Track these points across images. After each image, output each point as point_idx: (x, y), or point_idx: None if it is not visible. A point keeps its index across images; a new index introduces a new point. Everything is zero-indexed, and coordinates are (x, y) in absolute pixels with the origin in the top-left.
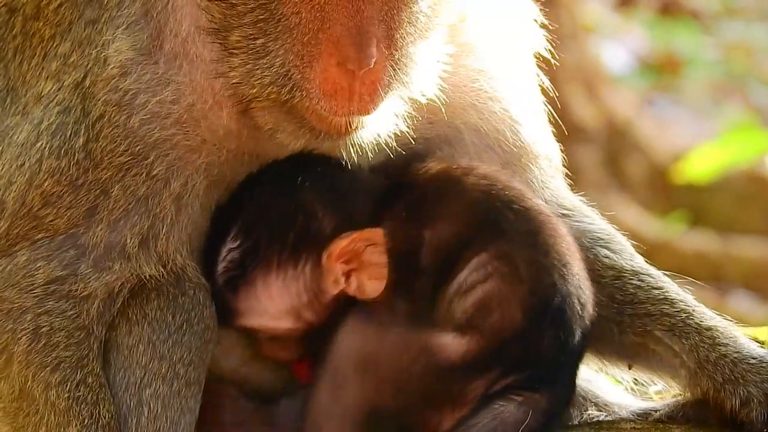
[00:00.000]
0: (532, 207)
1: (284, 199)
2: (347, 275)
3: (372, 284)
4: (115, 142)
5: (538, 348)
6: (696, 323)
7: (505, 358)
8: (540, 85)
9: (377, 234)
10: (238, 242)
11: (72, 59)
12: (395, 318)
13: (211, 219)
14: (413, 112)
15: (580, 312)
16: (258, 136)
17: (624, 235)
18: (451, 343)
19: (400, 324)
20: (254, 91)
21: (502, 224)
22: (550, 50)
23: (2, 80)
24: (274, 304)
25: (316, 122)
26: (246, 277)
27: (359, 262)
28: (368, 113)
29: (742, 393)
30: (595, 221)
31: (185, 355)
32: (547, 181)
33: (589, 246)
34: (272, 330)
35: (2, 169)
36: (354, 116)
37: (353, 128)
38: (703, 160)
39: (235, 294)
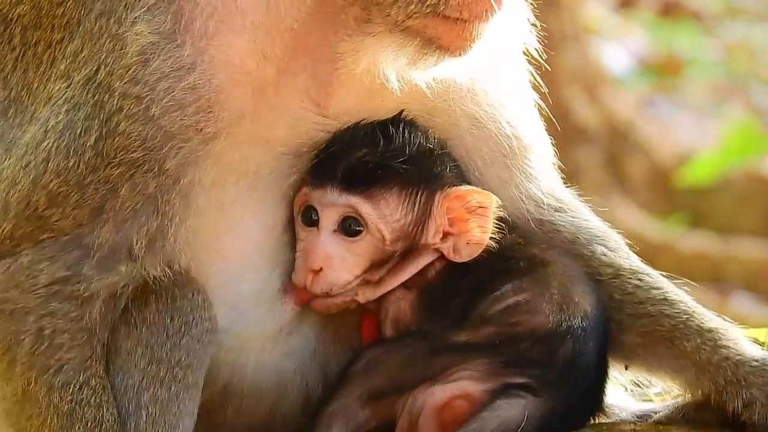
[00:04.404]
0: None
1: (425, 136)
2: (445, 236)
3: (469, 248)
4: (131, 137)
5: (552, 354)
6: (697, 325)
7: (514, 350)
8: (539, 86)
9: (490, 197)
10: (376, 149)
11: (83, 54)
12: (414, 337)
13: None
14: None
15: (600, 340)
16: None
17: (625, 236)
18: (461, 334)
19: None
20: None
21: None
22: (551, 51)
23: (2, 92)
24: (391, 212)
25: (443, 34)
26: (376, 180)
27: (460, 228)
28: (498, 10)
29: (744, 395)
30: (591, 218)
31: (183, 359)
32: (544, 174)
33: (585, 243)
34: (380, 239)
35: (7, 169)
36: (482, 21)
37: (476, 37)
38: (704, 162)
39: (364, 188)
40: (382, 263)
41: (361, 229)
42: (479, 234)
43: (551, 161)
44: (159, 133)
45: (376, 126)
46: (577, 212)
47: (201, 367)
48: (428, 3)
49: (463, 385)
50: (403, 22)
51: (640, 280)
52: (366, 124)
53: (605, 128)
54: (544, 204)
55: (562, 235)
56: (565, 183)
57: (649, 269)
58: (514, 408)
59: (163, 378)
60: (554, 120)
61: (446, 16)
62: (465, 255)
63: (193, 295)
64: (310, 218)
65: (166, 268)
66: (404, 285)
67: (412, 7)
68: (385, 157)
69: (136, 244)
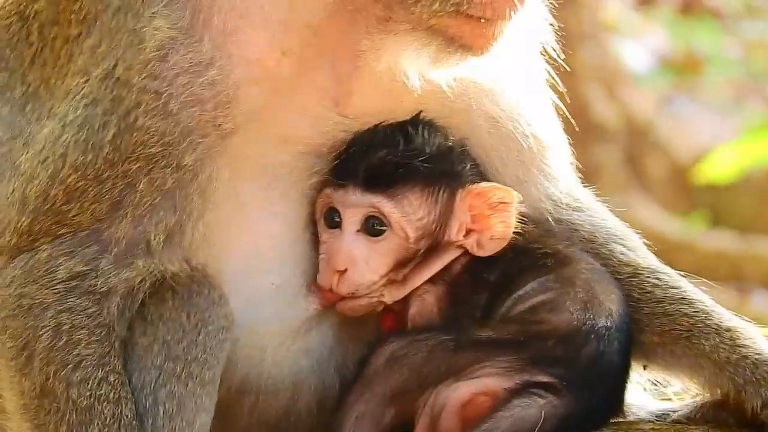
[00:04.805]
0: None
1: (444, 136)
2: (468, 233)
3: (493, 244)
4: (149, 132)
5: (576, 353)
6: (715, 324)
7: (537, 349)
8: (558, 84)
9: (511, 193)
10: (397, 149)
11: (101, 49)
12: (437, 332)
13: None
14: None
15: (624, 342)
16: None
17: (644, 234)
18: (485, 330)
19: (441, 337)
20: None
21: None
22: (569, 50)
23: (20, 88)
24: (414, 211)
25: (466, 33)
26: (398, 179)
27: (482, 224)
28: (521, 9)
29: (763, 394)
30: (609, 218)
31: (200, 355)
32: (562, 173)
33: (603, 242)
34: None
35: (25, 164)
36: (504, 20)
37: (497, 36)
38: (724, 160)
39: (386, 187)
40: (407, 262)
41: (385, 228)
42: (502, 229)
43: (569, 160)
44: (177, 128)
45: (396, 127)
46: (595, 211)
47: (217, 364)
48: (452, 2)
49: (486, 382)
50: (427, 20)
51: (658, 279)
52: (386, 125)
53: (624, 126)
54: (562, 203)
55: (580, 234)
56: (583, 181)
57: (667, 268)
58: (531, 407)
59: (179, 374)
60: (573, 118)
61: (469, 15)
62: (489, 250)
63: (209, 291)
64: (333, 219)
65: (184, 264)
66: (430, 280)
67: (436, 6)
68: (405, 156)
69: (154, 239)
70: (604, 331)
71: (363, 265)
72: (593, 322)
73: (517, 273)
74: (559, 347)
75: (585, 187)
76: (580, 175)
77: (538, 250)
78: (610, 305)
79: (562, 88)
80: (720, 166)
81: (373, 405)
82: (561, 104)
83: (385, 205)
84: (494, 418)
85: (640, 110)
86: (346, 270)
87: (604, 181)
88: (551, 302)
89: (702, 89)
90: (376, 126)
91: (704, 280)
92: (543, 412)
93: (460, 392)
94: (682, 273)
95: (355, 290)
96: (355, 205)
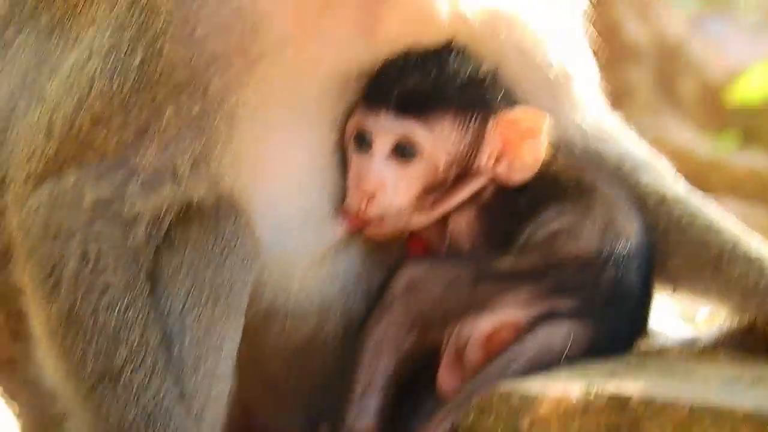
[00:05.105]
0: None
1: (474, 63)
2: (498, 160)
3: (522, 171)
4: (176, 59)
5: (595, 280)
6: (743, 251)
7: (557, 277)
8: (588, 6)
9: (541, 121)
10: (429, 75)
11: None
12: (457, 261)
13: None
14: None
15: (644, 268)
16: (323, 37)
17: (676, 155)
18: (507, 260)
19: (461, 266)
20: None
21: (591, 182)
22: None
23: (45, 15)
24: (445, 137)
25: None
26: (430, 105)
27: (512, 152)
28: None
29: None
30: (637, 145)
31: (227, 281)
32: (590, 102)
33: (631, 170)
34: (434, 164)
35: (51, 91)
36: None
37: None
38: (756, 80)
39: (418, 112)
40: (436, 188)
41: (416, 153)
42: (531, 157)
43: (598, 87)
44: (204, 55)
45: (429, 53)
46: (623, 139)
47: (244, 289)
48: None
49: (508, 313)
50: None
51: (686, 206)
52: (418, 51)
53: (656, 47)
54: (590, 132)
55: (607, 163)
56: (614, 103)
57: (695, 195)
58: (556, 334)
59: (206, 300)
60: (604, 40)
61: None
62: (518, 177)
63: (236, 217)
64: (363, 144)
65: (210, 190)
66: (459, 207)
67: None
68: (438, 82)
69: (181, 165)
70: (622, 258)
71: (392, 189)
72: (612, 248)
73: (541, 202)
74: (578, 274)
75: (616, 110)
76: (610, 97)
77: (564, 179)
78: (630, 231)
79: (592, 10)
80: (752, 86)
81: (392, 330)
82: (591, 27)
83: (416, 130)
84: (519, 346)
85: (672, 30)
86: (375, 194)
87: (635, 102)
88: (570, 230)
89: (735, 8)
90: (408, 52)
91: (736, 199)
92: (567, 338)
93: (483, 325)
94: (713, 193)
95: (384, 214)
96: (386, 129)
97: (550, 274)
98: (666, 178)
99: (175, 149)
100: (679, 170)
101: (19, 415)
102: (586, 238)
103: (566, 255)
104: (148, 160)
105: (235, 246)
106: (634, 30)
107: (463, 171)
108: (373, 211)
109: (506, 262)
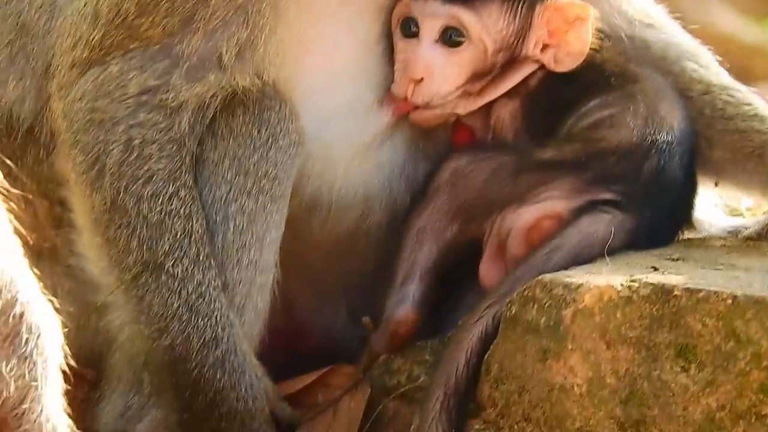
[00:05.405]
0: None
1: None
2: (545, 48)
3: (569, 59)
4: None
5: (637, 169)
6: None
7: (599, 167)
8: None
9: (588, 9)
10: None
11: None
12: (501, 151)
13: None
14: None
15: (686, 157)
16: None
17: (721, 40)
18: (548, 150)
19: (504, 156)
20: None
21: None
22: None
23: None
24: (493, 23)
25: None
26: None
27: (559, 39)
28: None
29: None
30: (682, 35)
31: (270, 170)
32: None
33: (675, 59)
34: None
35: None
36: None
37: None
38: None
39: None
40: (483, 75)
41: (463, 39)
42: (578, 45)
43: None
44: None
45: None
46: (668, 28)
47: (288, 179)
48: None
49: (550, 204)
50: None
51: (730, 95)
52: None
53: None
54: (635, 20)
55: (652, 52)
56: None
57: (739, 85)
58: (599, 223)
59: (250, 189)
60: None
61: None
62: (565, 66)
63: (280, 106)
64: (410, 29)
65: (255, 79)
66: (505, 95)
67: None
68: None
69: (226, 53)
70: (665, 146)
71: (439, 75)
72: (654, 137)
73: (586, 92)
74: (620, 163)
75: (659, 2)
76: None
77: (609, 69)
78: (672, 121)
79: None
80: None
81: (434, 219)
82: None
83: (465, 15)
84: (562, 235)
85: None
86: (422, 79)
87: None
88: (612, 118)
89: None
90: None
91: None
92: (610, 229)
93: (525, 216)
94: (757, 81)
95: (430, 100)
96: (434, 14)
97: (591, 163)
98: (710, 67)
99: (220, 37)
100: (722, 57)
101: (60, 307)
102: (627, 128)
103: (607, 144)
104: (193, 47)
105: (279, 135)
106: None
107: (511, 58)
108: (420, 97)
109: (548, 152)
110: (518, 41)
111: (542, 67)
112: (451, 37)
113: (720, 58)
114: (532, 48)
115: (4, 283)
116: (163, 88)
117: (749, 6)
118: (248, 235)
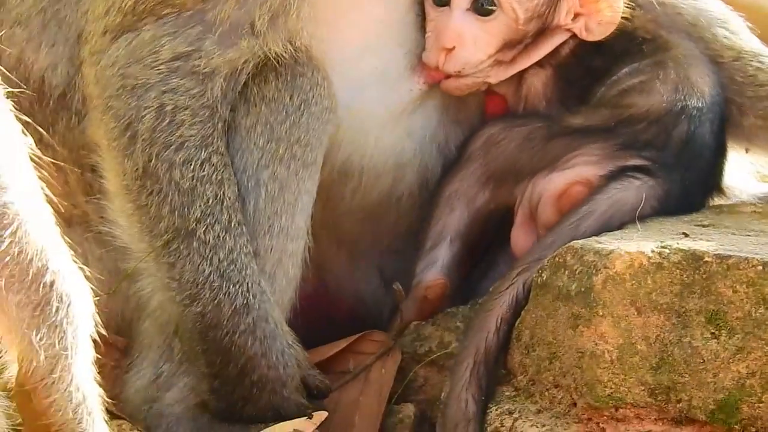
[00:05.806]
0: None
1: None
2: (576, 16)
3: (601, 28)
4: None
5: (667, 135)
6: None
7: (629, 133)
8: None
9: None
10: None
11: None
12: (533, 118)
13: None
14: None
15: (717, 123)
16: None
17: (751, 9)
18: (578, 116)
19: (536, 123)
20: None
21: (667, 38)
22: None
23: None
24: None
25: None
26: None
27: (590, 8)
28: None
29: None
30: (712, 2)
31: (302, 137)
32: None
33: (707, 25)
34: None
35: None
36: None
37: None
38: None
39: None
40: (515, 43)
41: (495, 8)
42: (609, 14)
43: None
44: None
45: None
46: None
47: (320, 146)
48: None
49: (580, 171)
50: None
51: (761, 62)
52: None
53: None
54: None
55: (683, 19)
56: None
57: None
58: (629, 190)
59: (282, 156)
60: None
61: None
62: (596, 35)
63: (313, 73)
64: None
65: (288, 45)
66: (537, 63)
67: None
68: None
69: (259, 19)
70: (695, 112)
71: (471, 43)
72: (684, 103)
73: (617, 60)
74: (650, 129)
75: None
76: None
77: (641, 36)
78: (703, 87)
79: None
80: None
81: (467, 184)
82: None
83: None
84: (592, 202)
85: None
86: (453, 48)
87: None
88: (642, 85)
89: None
90: None
91: None
92: (640, 195)
93: (555, 183)
94: None
95: (462, 68)
96: None
97: (620, 130)
98: (741, 34)
99: (253, 3)
100: (753, 24)
101: (90, 275)
102: (657, 94)
103: (637, 111)
104: (226, 13)
105: (311, 102)
106: None
107: (542, 27)
108: (452, 65)
109: (577, 119)
110: (549, 10)
111: (574, 36)
112: (482, 6)
113: (750, 25)
114: (563, 17)
115: (35, 252)
116: (196, 54)
117: None
118: (280, 202)
